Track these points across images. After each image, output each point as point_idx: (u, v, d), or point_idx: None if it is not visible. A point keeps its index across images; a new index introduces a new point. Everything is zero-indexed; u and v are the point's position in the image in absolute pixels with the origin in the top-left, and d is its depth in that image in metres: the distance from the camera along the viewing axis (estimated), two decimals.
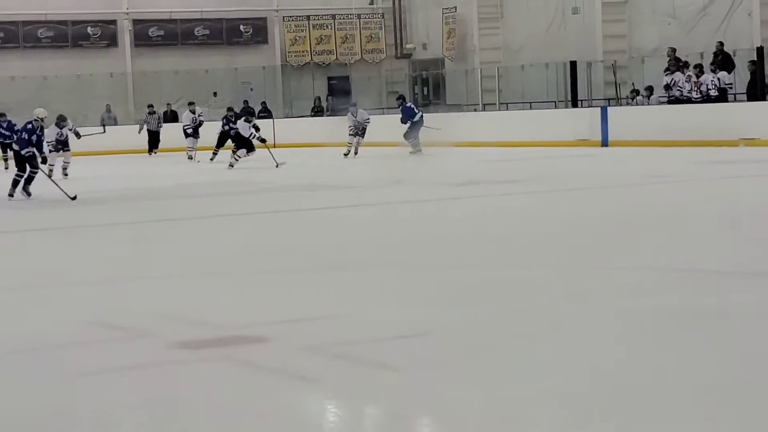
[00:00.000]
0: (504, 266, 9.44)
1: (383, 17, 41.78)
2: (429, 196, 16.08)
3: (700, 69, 26.29)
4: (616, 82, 31.35)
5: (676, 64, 26.98)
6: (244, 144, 23.82)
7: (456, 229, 12.23)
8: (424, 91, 39.13)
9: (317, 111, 37.64)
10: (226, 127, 26.16)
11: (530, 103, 32.73)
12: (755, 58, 26.02)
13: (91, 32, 38.32)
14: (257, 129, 24.15)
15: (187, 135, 29.21)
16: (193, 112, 29.56)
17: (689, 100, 25.89)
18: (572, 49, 32.68)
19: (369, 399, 5.41)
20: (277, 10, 40.62)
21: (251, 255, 10.68)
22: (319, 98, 38.92)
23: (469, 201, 15.52)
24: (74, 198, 16.55)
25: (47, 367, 6.23)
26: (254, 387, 5.64)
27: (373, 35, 41.73)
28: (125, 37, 38.86)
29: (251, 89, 38.00)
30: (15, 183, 17.45)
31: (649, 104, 27.70)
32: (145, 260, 10.64)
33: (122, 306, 7.98)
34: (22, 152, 17.34)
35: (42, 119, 17.97)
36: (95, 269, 10.12)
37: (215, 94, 38.09)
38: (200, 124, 29.29)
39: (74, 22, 38.02)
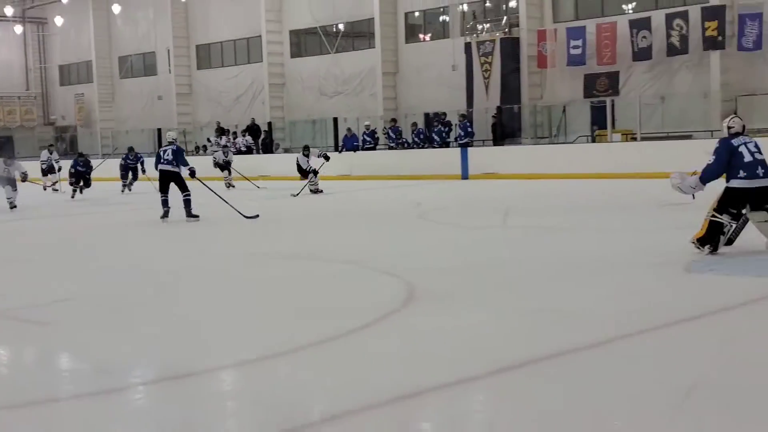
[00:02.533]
0: (125, 255, 8.91)
1: (35, 98, 40.62)
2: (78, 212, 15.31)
3: (234, 134, 27.13)
4: (185, 142, 31.68)
5: (221, 131, 27.69)
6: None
7: (90, 236, 11.50)
8: (65, 147, 37.56)
9: None
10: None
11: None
12: (266, 129, 27.37)
13: None
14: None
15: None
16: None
17: (228, 154, 26.21)
18: (159, 121, 32.86)
19: (25, 344, 5.15)
20: None
21: None
22: None
23: (94, 215, 14.71)
24: (257, 216, 11.57)
25: None
26: None
27: (28, 110, 40.57)
28: None
29: None
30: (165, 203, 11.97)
31: (204, 155, 27.98)
32: None
33: None
34: (187, 173, 11.78)
35: (175, 140, 12.50)
36: None
37: None
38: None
39: None
